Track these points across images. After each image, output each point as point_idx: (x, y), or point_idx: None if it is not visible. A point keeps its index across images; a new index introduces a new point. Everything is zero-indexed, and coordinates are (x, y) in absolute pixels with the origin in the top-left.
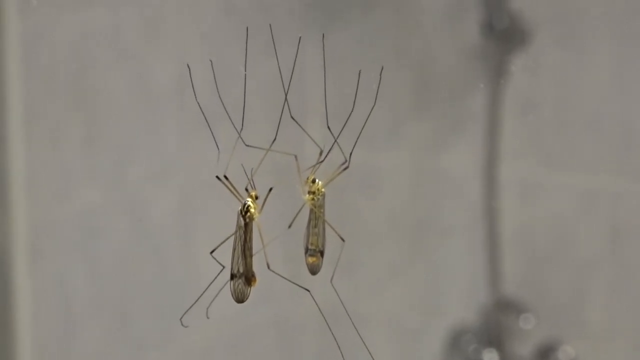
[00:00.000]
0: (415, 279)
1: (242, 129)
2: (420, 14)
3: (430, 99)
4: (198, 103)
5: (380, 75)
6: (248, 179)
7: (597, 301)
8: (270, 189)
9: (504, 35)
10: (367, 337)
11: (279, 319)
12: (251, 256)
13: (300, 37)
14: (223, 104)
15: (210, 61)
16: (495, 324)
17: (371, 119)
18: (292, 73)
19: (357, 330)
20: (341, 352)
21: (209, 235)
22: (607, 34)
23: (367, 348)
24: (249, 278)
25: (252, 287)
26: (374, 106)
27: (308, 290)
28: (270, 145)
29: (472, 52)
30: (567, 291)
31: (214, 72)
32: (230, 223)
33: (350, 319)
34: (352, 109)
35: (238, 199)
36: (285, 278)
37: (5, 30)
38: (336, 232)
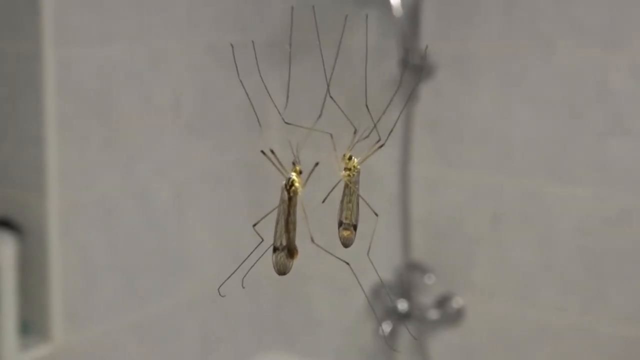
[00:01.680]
0: (348, 248)
1: (286, 108)
2: (355, 53)
3: (361, 115)
4: (241, 82)
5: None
6: (293, 154)
7: (480, 266)
8: (317, 164)
9: (415, 70)
10: (311, 292)
11: (247, 277)
12: (294, 230)
13: (346, 16)
14: (266, 86)
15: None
16: (406, 280)
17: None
18: (337, 57)
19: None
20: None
21: (198, 216)
22: (491, 71)
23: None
24: (291, 251)
25: (294, 260)
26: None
27: (347, 263)
28: (315, 122)
29: (392, 81)
30: (459, 258)
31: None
32: (214, 208)
33: (383, 284)
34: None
35: (282, 174)
36: (327, 251)
37: (44, 58)
38: (370, 207)
